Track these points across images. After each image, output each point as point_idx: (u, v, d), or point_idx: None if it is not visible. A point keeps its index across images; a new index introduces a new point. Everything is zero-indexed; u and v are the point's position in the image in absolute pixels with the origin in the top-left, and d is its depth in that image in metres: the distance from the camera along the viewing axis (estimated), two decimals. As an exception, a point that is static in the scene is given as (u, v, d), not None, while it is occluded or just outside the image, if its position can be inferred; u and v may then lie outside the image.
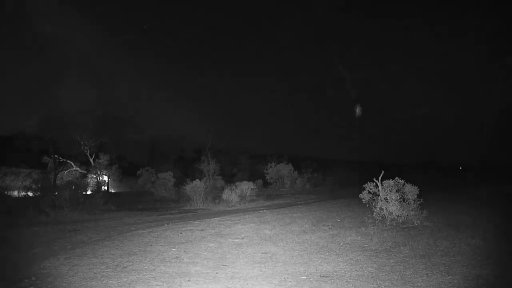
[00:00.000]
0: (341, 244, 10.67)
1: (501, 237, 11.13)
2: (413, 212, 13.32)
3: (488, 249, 9.70)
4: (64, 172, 35.75)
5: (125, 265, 8.74)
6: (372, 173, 14.42)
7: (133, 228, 14.01)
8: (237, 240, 11.40)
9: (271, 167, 39.16)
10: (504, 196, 22.03)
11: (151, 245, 10.77)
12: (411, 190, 13.75)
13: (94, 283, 7.50)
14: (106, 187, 37.74)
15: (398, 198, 13.57)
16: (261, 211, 18.22)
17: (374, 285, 7.12)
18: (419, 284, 7.14)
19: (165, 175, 30.28)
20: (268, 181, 38.75)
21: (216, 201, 23.81)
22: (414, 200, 13.58)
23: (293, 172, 38.40)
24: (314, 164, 43.00)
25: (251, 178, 31.70)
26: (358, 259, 9.04)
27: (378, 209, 13.70)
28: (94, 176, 36.44)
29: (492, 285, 7.13)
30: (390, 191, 13.73)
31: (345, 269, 8.21)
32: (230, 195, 22.94)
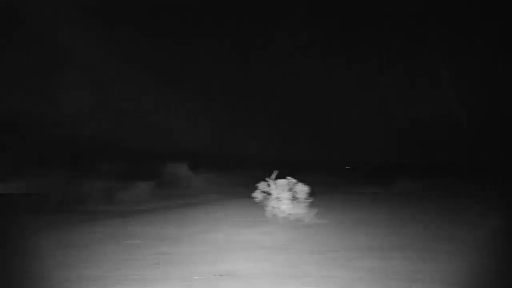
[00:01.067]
0: (237, 242, 10.83)
1: (387, 230, 12.01)
2: (305, 210, 13.84)
3: (374, 243, 10.41)
4: None
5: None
6: (272, 172, 14.76)
7: (21, 231, 13.16)
8: (133, 241, 11.15)
9: (169, 166, 38.36)
10: (402, 195, 23.42)
11: (43, 249, 10.21)
12: (302, 189, 14.27)
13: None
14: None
15: (290, 197, 14.04)
16: (158, 212, 17.93)
17: (270, 281, 7.32)
18: (311, 279, 7.45)
19: (60, 174, 28.65)
20: (167, 181, 37.92)
21: (113, 201, 23.02)
22: (305, 198, 14.10)
23: (191, 171, 37.92)
24: (217, 162, 42.73)
25: (149, 178, 30.92)
26: (254, 257, 9.22)
27: (271, 207, 14.07)
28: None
29: (373, 274, 7.63)
30: (282, 190, 14.16)
31: (242, 267, 8.34)
32: (128, 195, 22.35)
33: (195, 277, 7.69)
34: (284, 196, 14.06)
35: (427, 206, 17.83)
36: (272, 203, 14.14)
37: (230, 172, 41.64)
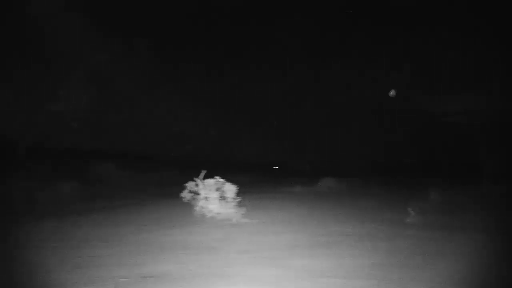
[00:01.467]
0: (165, 243, 10.59)
1: (316, 228, 12.25)
2: (233, 210, 13.82)
3: (303, 241, 10.57)
4: None
5: None
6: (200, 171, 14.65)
7: None
8: (56, 244, 10.59)
9: (96, 166, 36.90)
10: (332, 194, 23.82)
11: None
12: (231, 189, 14.24)
13: None
14: None
15: (218, 196, 13.99)
16: (83, 213, 17.14)
17: (199, 283, 7.21)
18: (240, 279, 7.40)
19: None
20: (94, 181, 36.40)
21: (35, 203, 21.80)
22: (233, 198, 14.08)
23: (119, 170, 36.69)
24: (146, 162, 41.51)
25: (75, 178, 29.53)
26: (182, 258, 9.05)
27: (199, 207, 13.94)
28: None
29: (303, 273, 7.71)
30: (211, 190, 14.08)
31: (170, 269, 8.13)
32: (50, 196, 21.32)
33: (121, 280, 7.43)
34: (212, 195, 13.97)
35: (355, 205, 18.34)
36: (200, 203, 14.01)
37: (158, 171, 40.83)
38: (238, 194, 14.25)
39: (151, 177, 39.14)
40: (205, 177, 14.45)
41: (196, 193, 14.26)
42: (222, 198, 14.06)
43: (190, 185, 14.45)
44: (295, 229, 12.32)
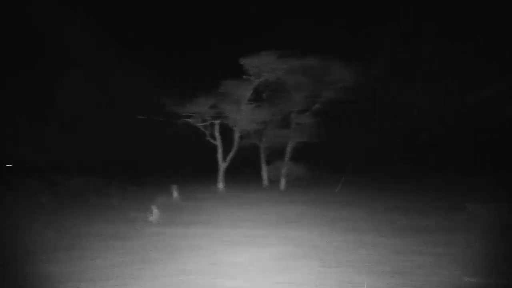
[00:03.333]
0: None
1: (54, 232, 11.82)
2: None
3: (38, 245, 10.14)
4: None
5: None
6: None
7: None
8: None
9: None
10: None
11: None
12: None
13: None
14: None
15: None
16: None
17: None
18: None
19: None
20: None
21: None
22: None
23: None
24: None
25: None
26: None
27: None
28: None
29: (42, 279, 7.48)
30: None
31: None
32: None
33: None
34: None
35: (99, 205, 18.14)
36: None
37: None
38: None
39: None
40: None
41: None
42: None
43: None
44: (34, 233, 11.63)
